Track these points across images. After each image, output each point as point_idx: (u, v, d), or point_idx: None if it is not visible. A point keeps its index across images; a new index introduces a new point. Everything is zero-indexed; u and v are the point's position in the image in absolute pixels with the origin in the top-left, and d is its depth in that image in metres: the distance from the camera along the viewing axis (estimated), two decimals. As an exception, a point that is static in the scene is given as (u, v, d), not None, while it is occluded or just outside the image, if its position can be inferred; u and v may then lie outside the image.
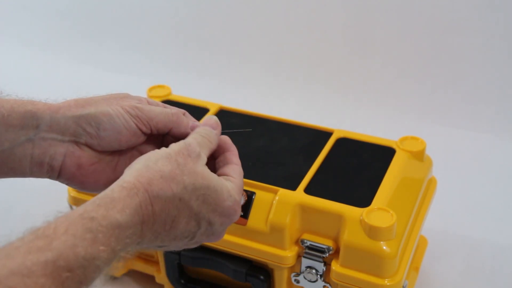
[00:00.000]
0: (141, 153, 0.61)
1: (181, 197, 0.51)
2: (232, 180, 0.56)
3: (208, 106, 0.93)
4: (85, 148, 0.57)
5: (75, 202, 0.86)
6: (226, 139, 0.61)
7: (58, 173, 0.57)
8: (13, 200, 1.10)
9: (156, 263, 0.88)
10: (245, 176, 0.77)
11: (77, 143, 0.57)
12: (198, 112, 0.91)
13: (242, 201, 0.74)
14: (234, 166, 0.59)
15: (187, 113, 0.63)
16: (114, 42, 1.60)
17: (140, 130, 0.58)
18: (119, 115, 0.57)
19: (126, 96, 0.60)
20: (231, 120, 0.91)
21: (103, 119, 0.56)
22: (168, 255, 0.81)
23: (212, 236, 0.55)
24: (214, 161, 0.60)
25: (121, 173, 0.60)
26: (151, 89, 0.97)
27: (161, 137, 0.62)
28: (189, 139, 0.56)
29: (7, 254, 0.40)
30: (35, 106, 0.55)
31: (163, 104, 0.63)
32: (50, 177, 0.58)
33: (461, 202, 1.08)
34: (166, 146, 0.63)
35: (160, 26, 1.57)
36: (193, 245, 0.56)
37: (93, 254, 0.43)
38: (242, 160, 0.77)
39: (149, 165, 0.51)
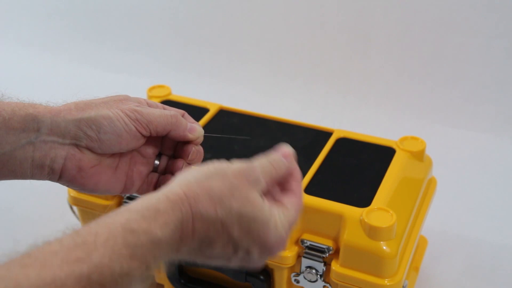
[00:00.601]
0: (141, 154, 0.62)
1: (223, 221, 0.48)
2: (285, 213, 0.53)
3: (208, 106, 0.93)
4: (85, 151, 0.57)
5: (75, 202, 0.86)
6: (293, 161, 0.57)
7: (59, 176, 0.57)
8: (13, 200, 1.10)
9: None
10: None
11: (77, 146, 0.57)
12: (198, 112, 0.91)
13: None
14: (293, 197, 0.55)
15: (186, 114, 0.63)
16: (114, 42, 1.60)
17: (140, 133, 0.58)
18: (119, 118, 0.57)
19: (126, 99, 0.60)
20: (231, 120, 0.91)
21: (103, 123, 0.56)
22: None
23: (248, 263, 0.53)
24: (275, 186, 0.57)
25: (122, 174, 0.60)
26: (151, 89, 0.97)
27: (160, 138, 0.62)
28: (254, 162, 0.53)
29: (43, 260, 0.40)
30: (36, 109, 0.55)
31: (162, 105, 0.63)
32: (51, 179, 0.58)
33: (461, 202, 1.08)
34: (165, 147, 0.63)
35: (160, 26, 1.58)
36: (227, 264, 0.53)
37: (128, 270, 0.42)
38: (241, 160, 0.76)
39: (200, 179, 0.49)
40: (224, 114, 0.92)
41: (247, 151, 0.84)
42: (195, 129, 0.62)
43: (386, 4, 1.36)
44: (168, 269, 0.83)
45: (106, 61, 1.57)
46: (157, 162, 0.63)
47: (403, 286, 0.73)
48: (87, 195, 0.84)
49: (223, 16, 1.52)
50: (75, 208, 0.89)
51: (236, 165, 0.51)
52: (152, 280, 0.88)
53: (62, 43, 1.63)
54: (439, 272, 0.94)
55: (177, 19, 1.56)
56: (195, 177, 0.49)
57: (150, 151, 0.62)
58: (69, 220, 0.93)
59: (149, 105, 0.61)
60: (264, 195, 0.53)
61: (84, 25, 1.65)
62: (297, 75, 1.44)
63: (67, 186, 0.59)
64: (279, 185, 0.56)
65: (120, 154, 0.60)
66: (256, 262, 0.53)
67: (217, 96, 1.09)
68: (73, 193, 0.86)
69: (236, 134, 0.88)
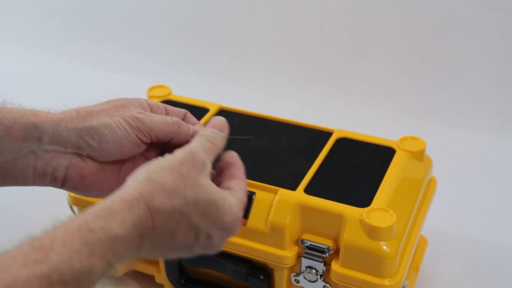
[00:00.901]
0: (144, 158, 0.62)
1: (181, 211, 0.50)
2: (235, 195, 0.55)
3: (208, 106, 0.93)
4: (87, 160, 0.57)
5: (75, 202, 0.86)
6: (233, 154, 0.60)
7: (61, 183, 0.58)
8: (13, 200, 1.10)
9: (156, 263, 0.88)
10: (245, 176, 0.77)
11: (79, 154, 0.57)
12: (198, 112, 0.91)
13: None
14: (238, 180, 0.58)
15: (188, 114, 0.63)
16: (114, 43, 1.60)
17: (141, 140, 0.58)
18: (120, 127, 0.57)
19: (127, 104, 0.59)
20: (231, 120, 0.90)
21: (105, 132, 0.56)
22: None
23: (209, 248, 0.54)
24: (219, 174, 0.59)
25: (125, 179, 0.60)
26: (151, 89, 0.97)
27: (162, 142, 0.62)
28: (194, 145, 0.54)
29: (3, 265, 0.40)
30: (37, 117, 0.55)
31: (164, 105, 0.63)
32: (54, 186, 0.58)
33: (461, 202, 1.08)
34: (168, 151, 0.63)
35: (160, 26, 1.57)
36: (189, 255, 0.55)
37: (88, 267, 0.43)
38: (242, 160, 0.77)
39: (151, 176, 0.50)
40: (224, 114, 0.92)
41: (247, 151, 0.84)
42: (198, 132, 0.62)
43: (386, 4, 1.36)
44: (168, 269, 0.83)
45: (106, 61, 1.57)
46: None
47: (403, 286, 0.73)
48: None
49: (223, 16, 1.52)
50: (75, 208, 0.89)
51: (180, 155, 0.52)
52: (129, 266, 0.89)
53: (62, 43, 1.63)
54: (439, 272, 0.94)
55: (177, 19, 1.56)
56: (145, 176, 0.50)
57: (152, 153, 0.62)
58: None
59: (151, 107, 0.61)
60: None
61: (84, 25, 1.65)
62: (297, 75, 1.44)
63: (71, 192, 0.60)
64: (221, 173, 0.58)
65: (123, 159, 0.60)
66: (217, 245, 0.54)
67: (217, 96, 1.09)
68: (73, 193, 0.86)
69: (236, 134, 0.88)
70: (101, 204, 0.47)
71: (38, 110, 0.57)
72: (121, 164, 0.60)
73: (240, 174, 0.59)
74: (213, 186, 0.53)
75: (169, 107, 0.63)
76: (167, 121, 0.59)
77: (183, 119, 0.63)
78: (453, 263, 0.95)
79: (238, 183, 0.57)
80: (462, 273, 0.94)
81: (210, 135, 0.57)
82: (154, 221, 0.48)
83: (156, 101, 0.63)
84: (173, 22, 1.56)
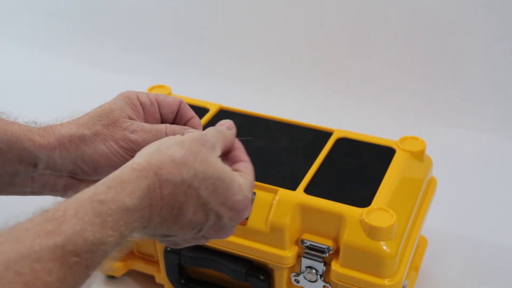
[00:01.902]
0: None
1: (190, 183, 0.50)
2: (244, 176, 0.56)
3: (208, 106, 0.93)
4: (84, 180, 0.59)
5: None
6: (234, 139, 0.60)
7: (60, 196, 0.59)
8: (13, 199, 1.10)
9: (156, 263, 0.88)
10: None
11: (75, 177, 0.58)
12: (198, 112, 0.90)
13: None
14: (245, 163, 0.58)
15: (183, 103, 0.63)
16: (114, 42, 1.60)
17: (132, 156, 0.59)
18: (115, 152, 0.57)
19: (119, 116, 0.58)
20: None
21: (99, 160, 0.57)
22: (168, 255, 0.81)
23: (220, 231, 0.54)
24: (222, 160, 0.59)
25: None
26: (151, 89, 0.97)
27: None
28: (204, 131, 0.55)
29: (16, 236, 0.40)
30: (32, 142, 0.56)
31: (156, 100, 0.62)
32: (53, 196, 0.60)
33: (461, 202, 1.08)
34: None
35: (160, 26, 1.57)
36: (201, 240, 0.55)
37: (101, 238, 0.43)
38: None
39: (161, 149, 0.50)
40: (224, 114, 0.92)
41: (247, 151, 0.83)
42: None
43: (386, 4, 1.36)
44: (168, 269, 0.83)
45: (106, 61, 1.57)
46: None
47: (403, 286, 0.73)
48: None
49: (223, 16, 1.52)
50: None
51: (191, 134, 0.53)
52: (129, 248, 0.89)
53: (62, 43, 1.63)
54: (439, 272, 0.94)
55: (177, 19, 1.56)
56: (155, 148, 0.50)
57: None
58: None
59: (143, 106, 0.61)
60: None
61: (84, 25, 1.65)
62: (297, 75, 1.44)
63: None
64: (225, 158, 0.58)
65: None
66: (229, 228, 0.54)
67: (217, 96, 1.09)
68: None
69: (236, 134, 0.88)
70: (112, 175, 0.47)
71: (32, 129, 0.57)
72: None
73: (244, 156, 0.59)
74: (223, 164, 0.53)
75: (162, 100, 0.62)
76: (161, 137, 0.59)
77: (178, 112, 0.63)
78: (453, 263, 0.95)
79: (246, 165, 0.58)
80: (462, 273, 0.94)
81: (219, 128, 0.58)
82: (163, 191, 0.48)
83: (148, 95, 0.62)
84: (173, 22, 1.56)
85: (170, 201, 0.49)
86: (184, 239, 0.54)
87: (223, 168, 0.53)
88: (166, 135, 0.59)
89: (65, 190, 0.58)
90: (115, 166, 0.57)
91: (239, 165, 0.57)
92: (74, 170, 0.57)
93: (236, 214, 0.54)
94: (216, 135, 0.55)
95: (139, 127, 0.58)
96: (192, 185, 0.50)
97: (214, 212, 0.52)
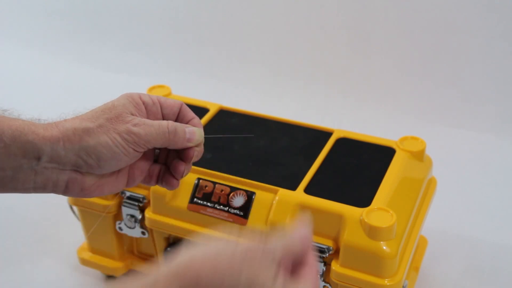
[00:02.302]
0: (143, 155, 0.62)
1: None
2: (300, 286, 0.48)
3: (208, 106, 0.93)
4: (86, 174, 0.58)
5: (75, 202, 0.86)
6: (309, 244, 0.51)
7: (62, 193, 0.59)
8: (13, 200, 1.10)
9: (156, 263, 0.88)
10: (245, 176, 0.78)
11: (79, 171, 0.58)
12: (198, 112, 0.90)
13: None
14: (308, 269, 0.50)
15: (184, 106, 0.63)
16: (114, 42, 1.60)
17: (137, 151, 0.59)
18: (118, 144, 0.57)
19: (122, 112, 0.59)
20: (231, 120, 0.91)
21: (102, 151, 0.57)
22: (168, 255, 0.81)
23: None
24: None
25: (124, 176, 0.61)
26: (151, 89, 0.97)
27: None
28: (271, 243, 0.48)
29: None
30: (35, 135, 0.55)
31: (158, 100, 0.62)
32: (55, 193, 0.59)
33: (461, 202, 1.08)
34: (164, 153, 0.63)
35: (160, 26, 1.57)
36: None
37: None
38: (242, 160, 0.76)
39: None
40: (224, 114, 0.92)
41: (247, 151, 0.84)
42: (194, 136, 0.61)
43: (386, 4, 1.36)
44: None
45: (106, 61, 1.57)
46: (157, 150, 0.64)
47: (403, 286, 0.73)
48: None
49: (223, 16, 1.52)
50: (75, 208, 0.89)
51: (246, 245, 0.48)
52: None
53: (62, 43, 1.63)
54: (439, 272, 0.94)
55: (177, 19, 1.56)
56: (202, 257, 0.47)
57: (149, 151, 0.62)
58: (69, 220, 0.93)
59: (146, 105, 0.61)
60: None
61: (85, 25, 1.65)
62: (297, 75, 1.44)
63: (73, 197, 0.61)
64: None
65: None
66: None
67: (217, 96, 1.09)
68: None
69: (237, 134, 0.88)
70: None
71: (36, 123, 0.57)
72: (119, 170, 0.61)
73: (313, 261, 0.51)
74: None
75: (164, 101, 0.62)
76: (163, 131, 0.59)
77: (179, 113, 0.63)
78: (453, 263, 0.95)
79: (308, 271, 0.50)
80: (462, 273, 0.94)
81: (288, 243, 0.50)
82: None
83: (150, 96, 0.62)
84: (173, 22, 1.56)
85: None
86: None
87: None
88: (168, 130, 0.59)
89: (67, 187, 0.57)
90: (117, 158, 0.57)
91: (302, 270, 0.50)
92: (77, 163, 0.57)
93: None
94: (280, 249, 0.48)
95: (141, 122, 0.59)
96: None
97: None
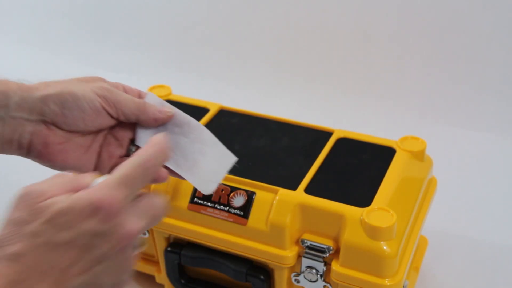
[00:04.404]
0: (114, 136, 0.62)
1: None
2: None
3: (208, 106, 0.93)
4: (52, 127, 0.58)
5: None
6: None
7: (26, 151, 0.59)
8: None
9: (156, 263, 0.88)
10: (245, 176, 0.78)
11: (45, 122, 0.58)
12: (198, 112, 0.91)
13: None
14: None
15: (148, 94, 0.63)
16: (115, 42, 1.60)
17: (106, 111, 0.59)
18: (84, 94, 0.58)
19: (100, 80, 0.60)
20: (231, 120, 0.91)
21: (67, 98, 0.57)
22: (168, 255, 0.81)
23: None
24: None
25: (93, 154, 0.61)
26: (151, 89, 0.97)
27: (132, 124, 0.63)
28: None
29: None
30: (6, 85, 0.56)
31: (138, 90, 0.63)
32: (20, 154, 0.59)
33: (461, 202, 1.08)
34: (133, 134, 0.62)
35: (160, 26, 1.57)
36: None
37: None
38: (242, 160, 0.77)
39: None
40: (224, 114, 0.92)
41: (247, 151, 0.84)
42: (165, 108, 0.62)
43: (386, 4, 1.36)
44: (168, 269, 0.83)
45: (106, 60, 1.57)
46: (133, 148, 0.63)
47: (403, 286, 0.73)
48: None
49: (223, 16, 1.52)
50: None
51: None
52: None
53: (62, 43, 1.63)
54: (439, 272, 0.94)
55: (177, 19, 1.56)
56: None
57: (123, 134, 0.62)
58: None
59: (126, 89, 0.62)
60: None
61: (85, 25, 1.65)
62: (297, 75, 1.44)
63: (37, 162, 0.60)
64: None
65: (94, 135, 0.61)
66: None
67: (217, 96, 1.09)
68: (40, 164, 0.85)
69: (237, 134, 0.88)
70: None
71: (10, 80, 0.58)
72: (92, 140, 0.61)
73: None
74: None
75: (143, 92, 0.64)
76: (134, 100, 0.60)
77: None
78: (453, 263, 0.95)
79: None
80: (462, 273, 0.94)
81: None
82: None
83: (132, 88, 0.64)
84: (173, 22, 1.56)
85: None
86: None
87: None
88: (139, 104, 0.60)
89: (32, 141, 0.57)
90: (82, 109, 0.57)
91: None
92: (43, 110, 0.57)
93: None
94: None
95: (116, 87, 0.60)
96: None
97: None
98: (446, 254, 0.97)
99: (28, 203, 0.45)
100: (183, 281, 0.84)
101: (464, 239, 1.00)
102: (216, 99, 0.98)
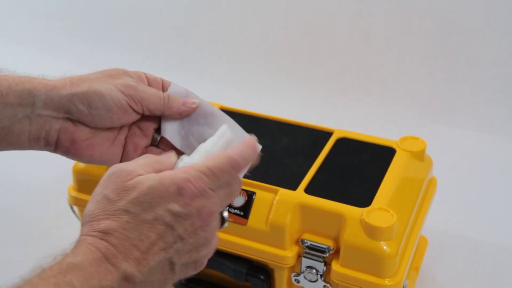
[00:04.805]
0: (139, 128, 0.62)
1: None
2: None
3: (208, 106, 0.93)
4: (78, 125, 0.58)
5: (76, 202, 0.86)
6: (252, 142, 0.57)
7: (54, 147, 0.59)
8: (13, 200, 1.10)
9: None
10: (245, 176, 0.77)
11: (71, 120, 0.58)
12: (198, 112, 0.90)
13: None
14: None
15: (172, 85, 0.63)
16: (114, 43, 1.60)
17: (132, 108, 0.59)
18: (111, 93, 0.57)
19: (123, 73, 0.60)
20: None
21: (94, 98, 0.57)
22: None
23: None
24: None
25: (119, 146, 0.61)
26: (151, 89, 0.96)
27: (157, 117, 0.63)
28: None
29: None
30: (32, 84, 0.57)
31: (161, 79, 0.63)
32: (48, 150, 0.59)
33: (461, 202, 1.08)
34: (158, 123, 0.62)
35: (159, 26, 1.57)
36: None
37: None
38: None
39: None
40: (224, 114, 0.92)
41: (247, 151, 0.84)
42: (189, 100, 0.62)
43: (386, 4, 1.36)
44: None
45: (105, 61, 1.56)
46: (158, 138, 0.63)
47: (403, 286, 0.73)
48: (88, 196, 0.84)
49: (223, 16, 1.52)
50: (75, 208, 0.89)
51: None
52: None
53: (62, 44, 1.63)
54: (439, 272, 0.94)
55: (177, 19, 1.56)
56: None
57: (148, 124, 0.62)
58: (69, 220, 0.93)
59: (149, 80, 0.62)
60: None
61: (84, 26, 1.65)
62: (297, 75, 1.44)
63: (65, 156, 0.60)
64: None
65: (119, 128, 0.61)
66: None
67: (217, 96, 1.09)
68: (74, 193, 0.86)
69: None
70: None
71: (33, 77, 0.58)
72: (117, 133, 0.61)
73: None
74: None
75: (166, 82, 0.63)
76: (159, 95, 0.60)
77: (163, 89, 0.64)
78: (453, 263, 0.95)
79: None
80: (462, 273, 0.94)
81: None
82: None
83: (155, 76, 0.63)
84: (173, 22, 1.56)
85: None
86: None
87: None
88: (164, 99, 0.60)
89: (59, 138, 0.58)
90: (109, 107, 0.57)
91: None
92: (70, 109, 0.57)
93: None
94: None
95: (139, 82, 0.60)
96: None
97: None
98: (446, 254, 0.97)
99: (117, 181, 0.49)
100: (183, 281, 0.84)
101: (464, 239, 1.00)
102: (216, 99, 0.98)
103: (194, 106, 0.62)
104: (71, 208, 0.89)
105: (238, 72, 1.48)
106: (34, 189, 1.11)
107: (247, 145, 0.55)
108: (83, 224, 0.48)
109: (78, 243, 0.47)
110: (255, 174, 0.78)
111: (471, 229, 1.02)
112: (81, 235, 0.47)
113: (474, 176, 1.15)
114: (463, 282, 0.92)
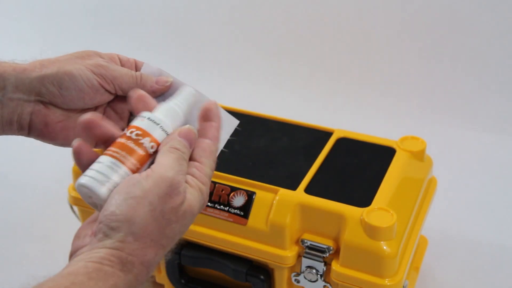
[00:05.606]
0: (115, 111, 0.61)
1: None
2: (196, 174, 0.52)
3: (208, 106, 0.93)
4: (51, 107, 0.58)
5: (76, 202, 0.86)
6: (212, 105, 0.58)
7: (28, 131, 0.59)
8: (13, 200, 1.10)
9: (156, 263, 0.88)
10: (246, 176, 0.78)
11: (43, 102, 0.58)
12: (198, 112, 0.90)
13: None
14: (206, 144, 0.55)
15: (144, 64, 0.63)
16: (114, 42, 1.60)
17: (104, 88, 0.58)
18: (81, 73, 0.57)
19: (94, 54, 0.60)
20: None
21: (65, 78, 0.57)
22: (168, 255, 0.81)
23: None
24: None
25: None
26: (151, 89, 0.96)
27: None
28: (170, 173, 0.49)
29: None
30: (1, 67, 0.57)
31: (135, 60, 0.63)
32: (22, 134, 0.59)
33: (461, 202, 1.08)
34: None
35: (160, 25, 1.57)
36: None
37: None
38: (242, 160, 0.77)
39: (134, 231, 0.47)
40: (224, 114, 0.92)
41: (247, 151, 0.84)
42: (162, 79, 0.61)
43: (386, 4, 1.36)
44: (168, 269, 0.83)
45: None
46: (133, 118, 0.63)
47: (403, 286, 0.73)
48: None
49: (224, 15, 1.52)
50: (75, 208, 0.89)
51: (156, 187, 0.49)
52: None
53: (62, 43, 1.63)
54: (439, 272, 0.94)
55: (177, 18, 1.56)
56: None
57: (122, 106, 0.62)
58: (69, 220, 0.93)
59: (122, 61, 0.62)
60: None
61: (84, 25, 1.65)
62: (297, 75, 1.44)
63: (39, 140, 0.60)
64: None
65: (93, 110, 0.60)
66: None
67: (217, 96, 1.08)
68: (74, 193, 0.85)
69: (237, 134, 0.87)
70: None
71: (3, 61, 0.58)
72: None
73: (212, 133, 0.56)
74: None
75: (139, 63, 0.63)
76: (131, 73, 0.60)
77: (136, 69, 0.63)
78: (453, 263, 0.95)
79: (205, 148, 0.55)
80: (462, 273, 0.94)
81: (178, 147, 0.53)
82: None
83: (128, 58, 0.63)
84: (173, 22, 1.56)
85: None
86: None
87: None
88: (136, 77, 0.59)
89: (32, 120, 0.57)
90: (80, 88, 0.57)
91: (199, 151, 0.54)
92: (40, 91, 0.57)
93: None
94: (182, 169, 0.51)
95: (111, 62, 0.60)
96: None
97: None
98: (446, 254, 0.97)
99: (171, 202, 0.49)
100: (183, 281, 0.84)
101: (464, 239, 1.00)
102: (216, 99, 0.98)
103: (167, 84, 0.62)
104: (71, 208, 0.89)
105: (238, 72, 1.48)
106: (34, 189, 1.11)
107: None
108: (112, 228, 0.47)
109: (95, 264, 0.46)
110: (255, 174, 0.79)
111: (471, 229, 1.02)
112: (105, 247, 0.47)
113: (474, 176, 1.15)
114: (463, 282, 0.92)
